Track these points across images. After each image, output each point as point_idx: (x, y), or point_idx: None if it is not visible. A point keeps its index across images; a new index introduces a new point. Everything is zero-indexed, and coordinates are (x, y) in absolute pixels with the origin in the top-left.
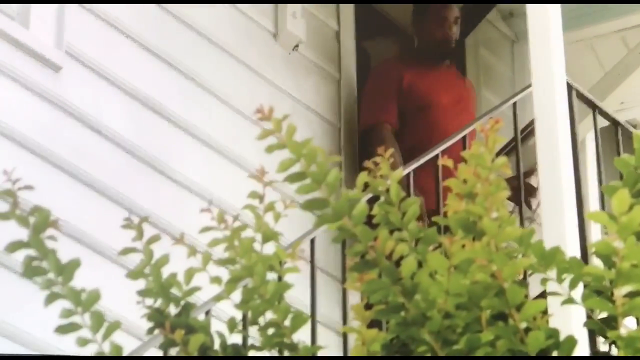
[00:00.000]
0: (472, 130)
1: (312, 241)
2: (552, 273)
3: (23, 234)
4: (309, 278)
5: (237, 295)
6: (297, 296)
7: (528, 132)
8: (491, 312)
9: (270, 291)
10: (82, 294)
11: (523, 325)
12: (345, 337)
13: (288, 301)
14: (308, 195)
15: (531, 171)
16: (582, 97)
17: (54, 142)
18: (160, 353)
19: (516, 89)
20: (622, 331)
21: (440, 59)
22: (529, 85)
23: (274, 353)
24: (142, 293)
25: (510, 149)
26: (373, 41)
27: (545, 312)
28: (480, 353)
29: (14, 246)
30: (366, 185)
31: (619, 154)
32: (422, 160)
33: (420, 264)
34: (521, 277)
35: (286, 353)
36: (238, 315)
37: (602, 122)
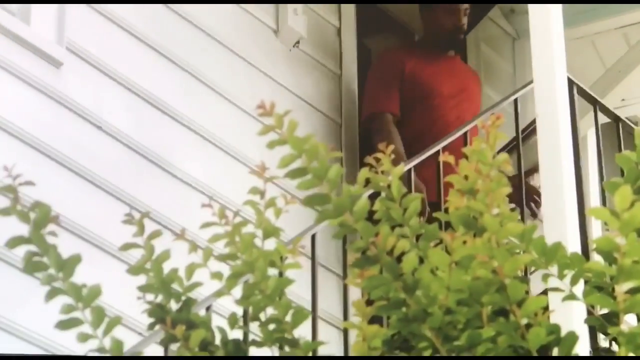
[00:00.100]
0: (475, 125)
1: (313, 237)
2: (554, 269)
3: (24, 229)
4: (310, 274)
5: (238, 291)
6: (298, 292)
7: (530, 130)
8: (492, 308)
9: (271, 287)
10: (83, 290)
11: (524, 321)
12: (346, 332)
13: (289, 297)
14: (309, 191)
15: (533, 170)
16: (583, 93)
17: (54, 138)
18: (161, 349)
19: (517, 85)
20: (623, 327)
21: (446, 49)
22: (531, 82)
23: (275, 349)
24: (143, 288)
25: (512, 147)
26: (374, 38)
27: (546, 308)
28: (481, 349)
29: (14, 242)
30: (367, 181)
31: (620, 150)
32: (423, 156)
33: (421, 260)
34: (522, 274)
35: (287, 349)
36: (239, 311)
37: (603, 119)
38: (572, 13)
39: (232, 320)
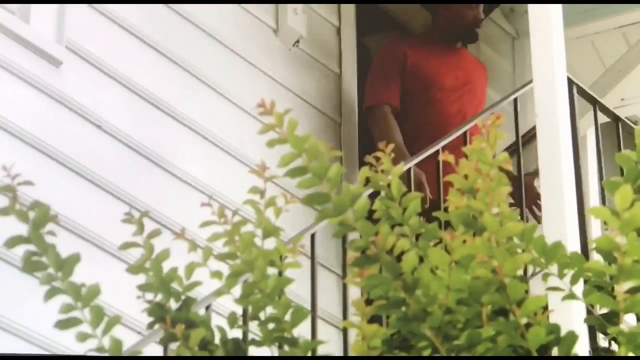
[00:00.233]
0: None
1: (313, 236)
2: (553, 268)
3: (23, 229)
4: (310, 273)
5: (237, 290)
6: (298, 291)
7: (534, 134)
8: (492, 307)
9: (270, 286)
10: (82, 289)
11: (524, 320)
12: (345, 332)
13: (288, 296)
14: (309, 190)
15: (535, 172)
16: (583, 93)
17: (54, 137)
18: (160, 348)
19: (516, 85)
20: (623, 327)
21: (464, 41)
22: (530, 82)
23: (274, 348)
24: (143, 288)
25: (514, 150)
26: (373, 37)
27: (545, 308)
28: (480, 348)
29: (13, 241)
30: (367, 180)
31: (619, 149)
32: (422, 156)
33: (421, 259)
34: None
35: (286, 348)
36: (238, 310)
37: (603, 118)
38: (572, 13)
39: (232, 320)
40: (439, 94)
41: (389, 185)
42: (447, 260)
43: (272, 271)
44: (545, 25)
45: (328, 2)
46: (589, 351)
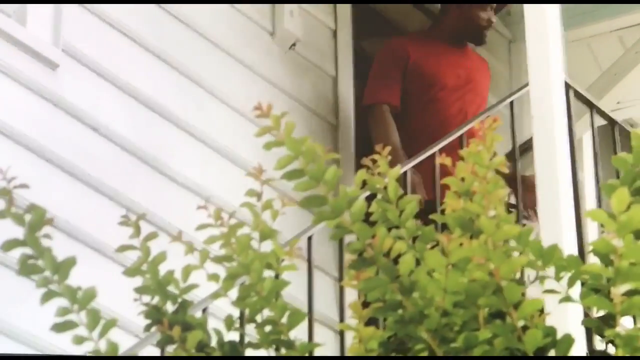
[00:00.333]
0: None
1: (310, 239)
2: (550, 271)
3: (19, 232)
4: (306, 276)
5: (234, 293)
6: (295, 294)
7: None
8: (489, 310)
9: (267, 288)
10: (79, 292)
11: (520, 323)
12: (342, 334)
13: (285, 299)
14: (306, 192)
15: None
16: (579, 96)
17: (50, 140)
18: (157, 350)
19: (513, 88)
20: (620, 330)
21: (474, 42)
22: (527, 84)
23: (271, 351)
24: (139, 290)
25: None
26: (370, 40)
27: (542, 311)
28: (477, 351)
29: (9, 244)
30: (364, 183)
31: (615, 152)
32: (420, 158)
33: (418, 262)
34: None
35: (283, 350)
36: (235, 313)
37: (599, 121)
38: (568, 16)
39: (229, 322)
40: (441, 93)
41: (385, 188)
42: (444, 262)
43: (268, 274)
44: (542, 28)
45: (327, 2)
46: (586, 353)
